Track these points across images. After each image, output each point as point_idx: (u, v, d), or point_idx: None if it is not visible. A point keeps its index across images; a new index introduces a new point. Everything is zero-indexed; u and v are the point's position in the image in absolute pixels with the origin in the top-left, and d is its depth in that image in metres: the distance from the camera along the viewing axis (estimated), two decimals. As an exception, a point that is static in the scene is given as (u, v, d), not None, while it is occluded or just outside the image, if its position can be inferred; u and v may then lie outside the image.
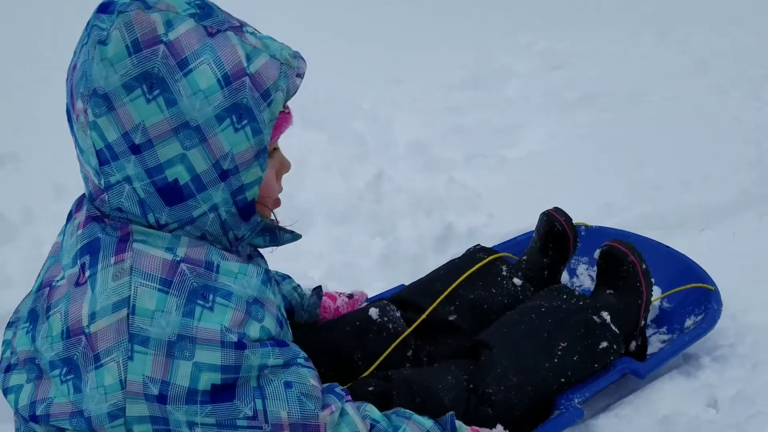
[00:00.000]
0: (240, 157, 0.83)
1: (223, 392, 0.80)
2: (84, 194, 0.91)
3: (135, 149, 0.79)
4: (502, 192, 2.05)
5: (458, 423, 1.02)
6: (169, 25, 0.79)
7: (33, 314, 0.88)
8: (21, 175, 2.09)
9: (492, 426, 1.11)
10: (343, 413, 0.90)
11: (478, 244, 1.53)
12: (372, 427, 0.93)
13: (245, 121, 0.82)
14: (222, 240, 0.88)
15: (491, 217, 1.94)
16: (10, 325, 0.95)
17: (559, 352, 1.22)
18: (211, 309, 0.80)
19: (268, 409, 0.82)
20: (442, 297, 1.36)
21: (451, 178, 2.09)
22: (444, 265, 1.49)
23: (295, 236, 0.98)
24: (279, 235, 0.96)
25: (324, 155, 2.18)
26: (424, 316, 1.33)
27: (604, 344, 1.24)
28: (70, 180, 2.05)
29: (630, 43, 3.25)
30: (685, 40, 3.25)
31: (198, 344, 0.79)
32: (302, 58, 0.88)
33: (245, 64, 0.81)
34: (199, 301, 0.80)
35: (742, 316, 1.50)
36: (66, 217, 0.94)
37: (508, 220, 1.89)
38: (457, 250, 1.82)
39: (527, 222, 1.81)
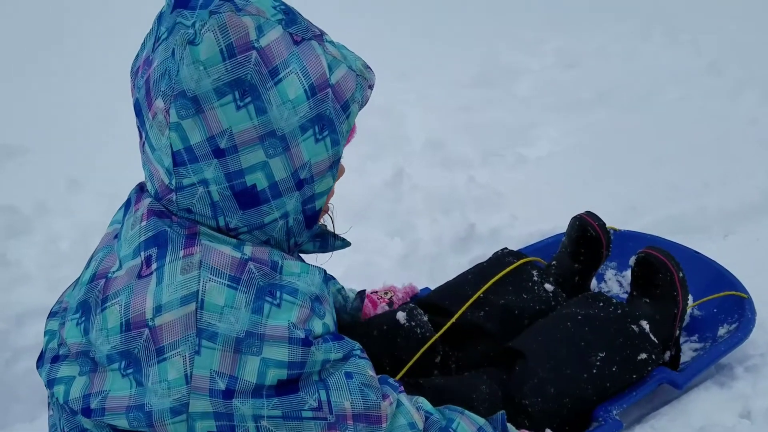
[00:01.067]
0: (317, 167, 0.84)
1: (287, 386, 0.81)
2: (143, 183, 0.90)
3: (218, 153, 0.79)
4: (522, 192, 2.02)
5: (509, 425, 1.02)
6: (260, 30, 0.78)
7: (85, 306, 0.85)
8: (33, 168, 2.03)
9: None
10: (398, 404, 0.90)
11: (506, 248, 1.50)
12: (426, 418, 0.94)
13: (326, 132, 0.83)
14: (283, 245, 0.88)
15: (514, 218, 1.90)
16: (53, 315, 0.93)
17: (598, 363, 1.19)
18: (278, 306, 0.80)
19: (332, 399, 0.83)
20: (471, 300, 1.33)
21: (470, 177, 2.06)
22: (471, 268, 1.46)
23: (345, 243, 1.01)
24: (330, 242, 0.97)
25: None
26: (453, 320, 1.30)
27: (644, 355, 1.22)
28: (83, 173, 2.01)
29: (639, 43, 3.22)
30: (694, 40, 3.23)
31: (266, 341, 0.78)
32: (371, 70, 0.89)
33: (328, 75, 0.82)
34: (267, 298, 0.80)
35: (770, 324, 1.48)
36: (124, 205, 0.91)
37: (532, 221, 1.86)
38: (478, 252, 1.79)
39: (551, 224, 1.78)
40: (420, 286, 1.55)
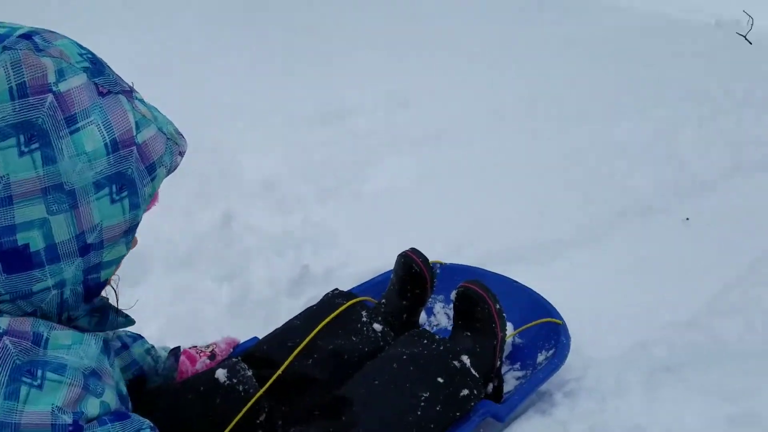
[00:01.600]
0: (109, 231, 0.75)
1: None
2: None
3: None
4: (357, 230, 2.01)
5: None
6: (61, 74, 0.70)
7: None
8: None
9: None
10: None
11: (336, 289, 1.47)
12: None
13: (125, 193, 0.75)
14: (52, 318, 0.76)
15: (348, 255, 1.88)
16: None
17: (422, 403, 1.17)
18: (39, 387, 0.68)
19: None
20: (297, 350, 1.27)
21: (305, 217, 2.01)
22: (300, 313, 1.41)
23: (128, 321, 0.88)
24: (111, 318, 0.85)
25: (162, 197, 1.98)
26: (278, 372, 1.23)
27: (465, 392, 1.22)
28: None
29: (467, 81, 3.43)
30: (514, 81, 3.51)
31: (23, 431, 0.67)
32: (183, 137, 0.83)
33: (134, 133, 0.75)
34: (25, 379, 0.68)
35: (584, 349, 1.58)
36: None
37: (366, 259, 1.85)
38: (313, 293, 1.74)
39: (384, 261, 1.78)
40: (250, 335, 1.46)
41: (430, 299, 1.69)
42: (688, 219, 2.29)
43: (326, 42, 3.79)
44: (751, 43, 6.09)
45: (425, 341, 1.27)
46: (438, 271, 1.74)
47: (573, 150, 2.73)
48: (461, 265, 1.77)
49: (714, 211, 2.33)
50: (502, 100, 3.19)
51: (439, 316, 1.69)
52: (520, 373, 1.50)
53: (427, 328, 1.68)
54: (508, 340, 1.55)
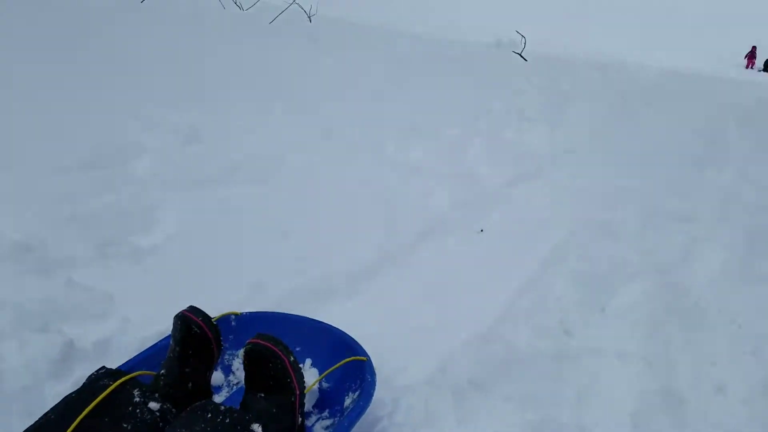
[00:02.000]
0: None
1: None
2: None
3: None
4: (138, 288, 1.76)
5: None
6: None
7: None
8: None
9: None
10: None
11: (103, 367, 1.25)
12: None
13: None
14: None
15: (126, 321, 1.63)
16: None
17: (209, 491, 1.01)
18: None
19: None
20: (50, 455, 1.03)
21: (70, 281, 1.71)
22: (57, 404, 1.17)
23: None
24: None
25: None
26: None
27: (260, 464, 1.08)
28: None
29: (262, 115, 3.31)
30: (308, 111, 3.47)
31: None
32: None
33: None
34: None
35: (395, 379, 1.53)
36: None
37: (148, 323, 1.61)
38: (82, 373, 1.47)
39: (169, 322, 1.57)
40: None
41: (227, 355, 1.54)
42: (482, 231, 2.39)
43: (102, 67, 3.43)
44: (526, 60, 6.81)
45: (209, 415, 1.11)
46: (233, 323, 1.58)
47: (371, 175, 2.74)
48: (259, 312, 1.63)
49: (503, 220, 2.47)
50: (297, 132, 3.12)
51: (239, 373, 1.53)
52: (328, 422, 1.39)
53: (227, 388, 1.51)
54: (314, 386, 1.44)
